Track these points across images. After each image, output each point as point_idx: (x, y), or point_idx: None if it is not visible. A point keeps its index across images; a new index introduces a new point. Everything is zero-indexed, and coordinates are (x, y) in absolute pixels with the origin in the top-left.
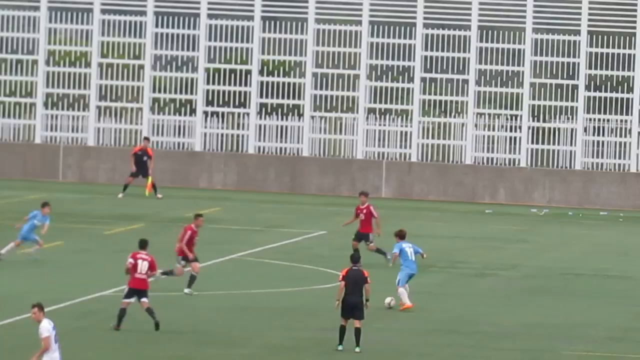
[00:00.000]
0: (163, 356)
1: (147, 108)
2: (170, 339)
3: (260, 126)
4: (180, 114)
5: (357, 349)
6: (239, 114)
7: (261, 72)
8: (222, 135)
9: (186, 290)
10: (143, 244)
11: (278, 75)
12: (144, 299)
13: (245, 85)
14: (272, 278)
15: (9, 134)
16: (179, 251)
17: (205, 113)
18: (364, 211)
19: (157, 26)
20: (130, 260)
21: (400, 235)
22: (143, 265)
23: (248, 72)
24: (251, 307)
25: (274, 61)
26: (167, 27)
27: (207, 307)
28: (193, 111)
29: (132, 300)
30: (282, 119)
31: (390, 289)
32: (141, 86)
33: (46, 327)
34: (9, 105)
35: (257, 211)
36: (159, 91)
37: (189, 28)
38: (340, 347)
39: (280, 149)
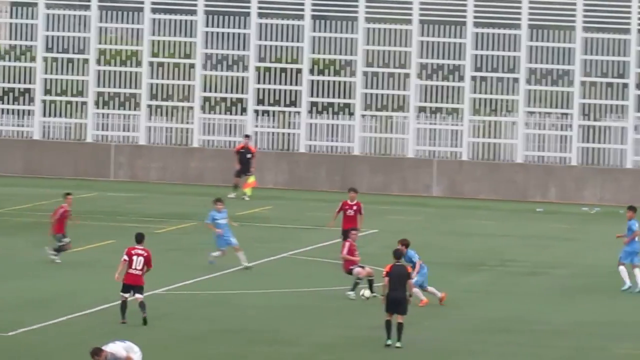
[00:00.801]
0: (214, 354)
1: (198, 107)
2: (220, 338)
3: (311, 125)
4: (231, 113)
5: (398, 344)
6: (289, 113)
7: (312, 71)
8: (273, 134)
9: None
10: (139, 238)
11: (328, 74)
12: (138, 295)
13: (296, 84)
14: (322, 276)
15: (61, 133)
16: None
17: (256, 112)
18: (354, 207)
19: (207, 25)
20: (125, 257)
21: (407, 245)
22: (138, 261)
23: (299, 71)
24: (301, 305)
25: (324, 60)
26: (218, 26)
27: (257, 305)
28: (244, 110)
29: (129, 294)
30: (332, 117)
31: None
32: (192, 85)
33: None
34: (60, 105)
35: (307, 210)
36: (210, 90)
37: (239, 27)
38: (389, 342)
39: (331, 147)
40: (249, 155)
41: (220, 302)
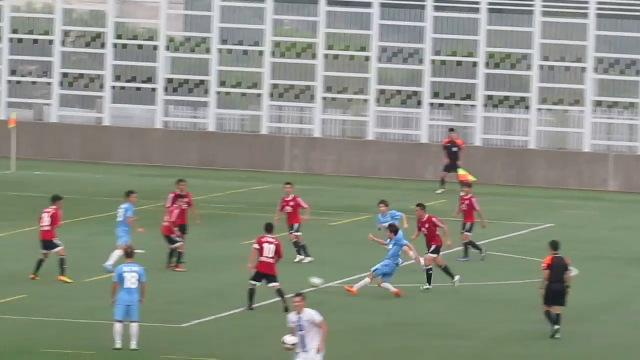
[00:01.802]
0: (389, 348)
1: (373, 100)
2: (394, 331)
3: (486, 119)
4: (406, 106)
5: (558, 335)
6: (465, 107)
7: (487, 65)
8: (448, 127)
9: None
10: (269, 228)
11: (504, 68)
12: (272, 284)
13: (472, 77)
14: (499, 270)
15: (236, 126)
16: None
17: (432, 105)
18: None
19: (383, 18)
20: (256, 245)
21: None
22: (269, 249)
23: (474, 64)
24: (476, 299)
25: (500, 54)
26: (394, 19)
27: (432, 299)
28: (419, 103)
29: (260, 283)
30: (508, 111)
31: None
32: (367, 78)
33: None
34: (235, 97)
35: (483, 204)
36: (385, 83)
37: (415, 20)
38: (556, 327)
39: (507, 141)
40: (455, 149)
41: (392, 295)
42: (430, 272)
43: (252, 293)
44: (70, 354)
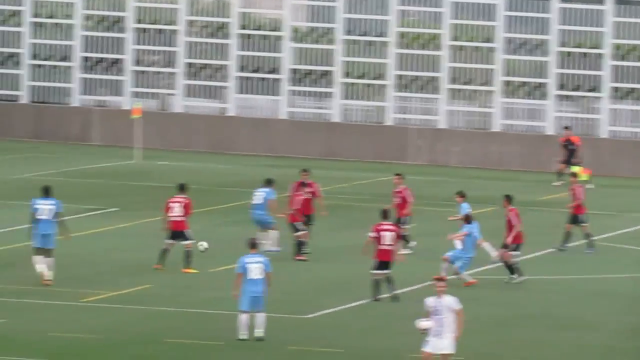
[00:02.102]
0: (518, 339)
1: (499, 91)
2: (523, 323)
3: (613, 111)
4: (531, 97)
5: None
6: (591, 98)
7: (614, 57)
8: (574, 119)
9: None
10: (386, 215)
11: (631, 60)
12: (385, 270)
13: (598, 69)
14: (625, 263)
15: (361, 116)
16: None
17: (558, 97)
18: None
19: (508, 9)
20: (373, 234)
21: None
22: (387, 237)
23: (600, 56)
24: (604, 292)
25: (627, 45)
26: (519, 10)
27: (559, 291)
28: (544, 95)
29: (385, 271)
30: (636, 103)
31: None
32: (492, 69)
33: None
34: (359, 87)
35: (610, 196)
36: (511, 74)
37: (541, 11)
38: None
39: (634, 133)
40: (571, 147)
41: (522, 288)
42: (513, 265)
43: (376, 283)
44: (196, 344)
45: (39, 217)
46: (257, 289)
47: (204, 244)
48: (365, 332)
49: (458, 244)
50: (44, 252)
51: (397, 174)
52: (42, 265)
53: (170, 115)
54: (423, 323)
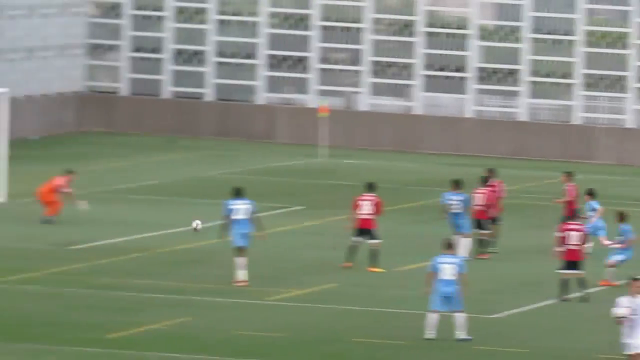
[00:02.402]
0: None
1: None
2: None
3: None
4: None
5: None
6: None
7: None
8: None
9: None
10: (571, 214)
11: None
12: (574, 270)
13: None
14: None
15: (548, 115)
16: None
17: None
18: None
19: None
20: (559, 233)
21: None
22: (574, 236)
23: None
24: None
25: None
26: None
27: None
28: None
29: (575, 271)
30: None
31: None
32: None
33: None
34: (546, 86)
35: None
36: None
37: None
38: None
39: None
40: None
41: None
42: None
43: (564, 283)
44: (383, 343)
45: (234, 217)
46: (449, 290)
47: (198, 223)
48: (552, 333)
49: (614, 246)
50: (241, 251)
51: (565, 172)
52: (243, 272)
53: (356, 114)
54: (619, 310)
